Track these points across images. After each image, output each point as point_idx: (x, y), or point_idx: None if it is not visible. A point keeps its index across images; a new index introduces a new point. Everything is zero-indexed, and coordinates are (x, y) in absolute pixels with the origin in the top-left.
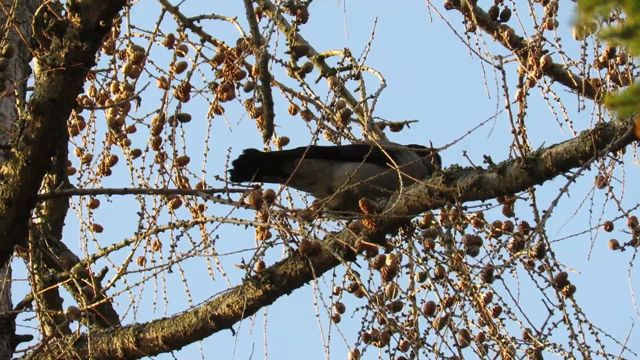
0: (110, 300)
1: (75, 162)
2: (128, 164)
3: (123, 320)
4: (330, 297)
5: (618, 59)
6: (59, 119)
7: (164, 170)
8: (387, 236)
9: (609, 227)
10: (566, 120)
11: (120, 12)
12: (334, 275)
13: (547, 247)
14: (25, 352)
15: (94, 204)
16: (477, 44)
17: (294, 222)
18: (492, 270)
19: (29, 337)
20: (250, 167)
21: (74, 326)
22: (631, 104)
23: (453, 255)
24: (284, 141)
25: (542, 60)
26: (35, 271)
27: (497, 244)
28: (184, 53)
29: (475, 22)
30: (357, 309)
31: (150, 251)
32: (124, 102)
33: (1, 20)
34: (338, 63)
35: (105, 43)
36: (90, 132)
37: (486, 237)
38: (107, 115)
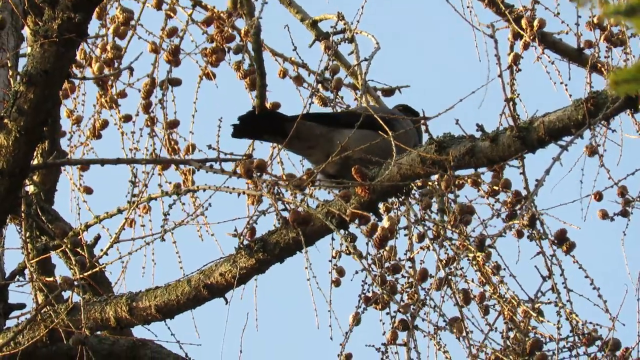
0: (103, 268)
1: (65, 124)
2: (118, 128)
3: (115, 287)
4: (330, 260)
5: (612, 20)
6: (51, 89)
7: (154, 133)
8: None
9: (599, 196)
10: (561, 83)
11: None
12: (332, 239)
13: (537, 217)
14: (18, 319)
15: (85, 167)
16: (468, 6)
17: (286, 191)
18: (485, 240)
19: (22, 306)
20: (254, 123)
21: (66, 294)
22: (636, 81)
23: (449, 218)
24: (275, 106)
25: (535, 22)
26: (28, 240)
27: (495, 202)
28: (172, 15)
29: None
30: (357, 272)
31: (140, 215)
32: (115, 73)
33: None
34: (331, 27)
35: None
36: (80, 94)
37: (483, 196)
38: (94, 71)
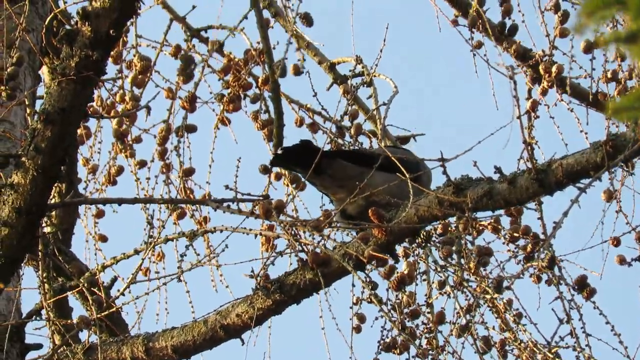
0: (119, 309)
1: (81, 172)
2: (133, 174)
3: (132, 329)
4: (351, 307)
5: (627, 74)
6: (69, 128)
7: (169, 180)
8: (404, 244)
9: (616, 242)
10: (581, 131)
11: (128, 22)
12: (353, 285)
13: (556, 259)
14: None
15: (100, 214)
16: (485, 55)
17: (304, 232)
18: (502, 281)
19: (38, 346)
20: (296, 157)
21: (83, 335)
22: (634, 109)
23: (467, 265)
24: None
25: (554, 69)
26: (45, 280)
27: (515, 249)
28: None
29: (484, 35)
30: (377, 318)
31: (154, 262)
32: (132, 112)
33: (11, 29)
34: (350, 70)
35: (112, 52)
36: (97, 142)
37: (503, 243)
38: (113, 126)
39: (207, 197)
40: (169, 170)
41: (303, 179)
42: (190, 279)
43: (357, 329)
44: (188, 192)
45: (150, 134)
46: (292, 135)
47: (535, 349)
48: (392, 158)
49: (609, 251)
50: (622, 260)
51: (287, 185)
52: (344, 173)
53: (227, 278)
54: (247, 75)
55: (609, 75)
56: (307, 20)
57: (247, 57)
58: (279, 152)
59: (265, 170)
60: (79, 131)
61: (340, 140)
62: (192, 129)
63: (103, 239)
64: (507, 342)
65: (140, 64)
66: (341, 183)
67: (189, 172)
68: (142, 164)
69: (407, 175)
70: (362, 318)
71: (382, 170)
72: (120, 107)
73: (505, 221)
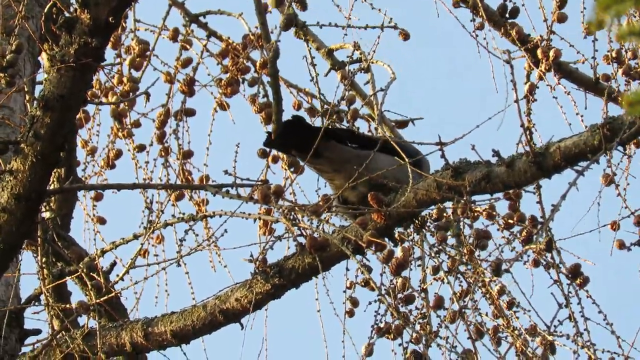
0: (118, 294)
1: (79, 154)
2: (132, 158)
3: (130, 313)
4: (344, 291)
5: (630, 53)
6: (68, 114)
7: (167, 164)
8: (399, 229)
9: (616, 226)
10: (577, 114)
11: (127, 9)
12: (347, 269)
13: (554, 244)
14: (33, 346)
15: (98, 197)
16: (484, 38)
17: (302, 216)
18: (501, 264)
19: (37, 331)
20: (291, 135)
21: (82, 320)
22: None
23: (464, 249)
24: None
25: (551, 53)
26: (44, 265)
27: (510, 235)
28: (188, 47)
29: (483, 20)
30: (370, 303)
31: (153, 245)
32: (132, 98)
33: (10, 16)
34: (347, 56)
35: (111, 37)
36: (95, 125)
37: (498, 229)
38: (111, 107)
39: (205, 180)
40: (167, 154)
41: (301, 162)
42: (190, 262)
43: (350, 313)
44: (187, 174)
45: (149, 118)
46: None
47: (530, 335)
48: (392, 142)
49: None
50: (621, 245)
51: (285, 169)
52: (340, 156)
53: (227, 261)
54: (245, 59)
55: (614, 55)
56: (301, 3)
57: (245, 42)
58: (270, 133)
59: (264, 154)
60: (78, 115)
61: (338, 125)
62: (190, 112)
63: (102, 221)
64: (501, 329)
65: (139, 47)
66: (338, 167)
67: (187, 155)
68: (141, 147)
69: (407, 160)
70: (355, 302)
71: (383, 152)
72: (118, 90)
73: (504, 204)
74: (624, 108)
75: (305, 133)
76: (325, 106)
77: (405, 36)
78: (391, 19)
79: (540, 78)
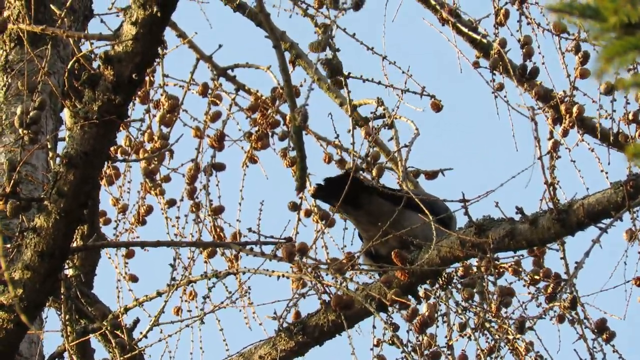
0: (142, 351)
1: (111, 212)
2: (163, 213)
3: None
4: (371, 349)
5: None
6: (91, 171)
7: (199, 219)
8: (424, 286)
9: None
10: (601, 171)
11: (152, 65)
12: (374, 327)
13: (578, 300)
14: None
15: (130, 254)
16: (505, 96)
17: (327, 274)
18: (525, 322)
19: None
20: (336, 189)
21: None
22: None
23: (489, 306)
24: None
25: (575, 109)
26: (67, 322)
27: (535, 291)
28: (218, 102)
29: (503, 82)
30: None
31: (186, 301)
32: (156, 155)
33: (33, 72)
34: (371, 112)
35: (139, 92)
36: (126, 182)
37: (524, 285)
38: (142, 165)
39: (235, 236)
40: (198, 209)
41: (333, 214)
42: (223, 316)
43: None
44: (218, 230)
45: (179, 173)
46: (321, 173)
47: None
48: (421, 198)
49: (631, 291)
50: None
51: (317, 222)
52: (379, 209)
53: (260, 314)
54: (274, 113)
55: (630, 117)
56: (329, 66)
57: (274, 95)
58: (322, 182)
59: (294, 207)
60: (108, 171)
61: (367, 175)
62: (220, 167)
63: (134, 279)
64: None
65: (168, 102)
66: (375, 220)
67: (218, 211)
68: (171, 202)
69: (432, 218)
70: None
71: (413, 211)
72: (148, 146)
73: (528, 261)
74: (628, 158)
75: (353, 187)
76: (357, 159)
77: (438, 107)
78: (424, 87)
79: (564, 134)
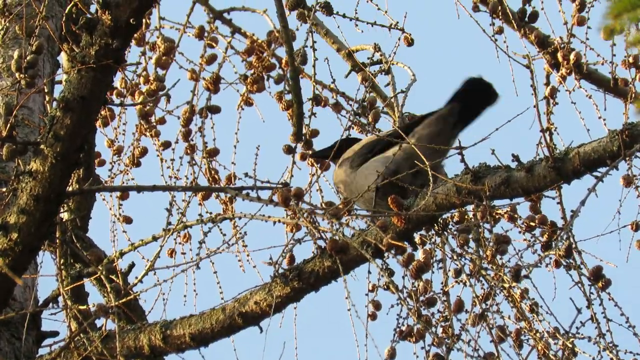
0: (137, 296)
1: (105, 154)
2: (158, 155)
3: (149, 315)
4: (366, 294)
5: None
6: (88, 115)
7: (194, 162)
8: (419, 232)
9: (636, 227)
10: (599, 117)
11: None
12: (369, 272)
13: (574, 247)
14: (51, 348)
15: (124, 196)
16: (505, 42)
17: (323, 219)
18: (520, 270)
19: (55, 333)
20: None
21: (99, 322)
22: None
23: (484, 253)
24: (314, 133)
25: (572, 56)
26: (62, 267)
27: (531, 238)
28: (214, 45)
29: (502, 26)
30: (392, 306)
31: (180, 243)
32: (153, 98)
33: (31, 16)
34: (368, 58)
35: (135, 35)
36: (121, 124)
37: (519, 232)
38: (137, 107)
39: (232, 178)
40: (193, 152)
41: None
42: (220, 262)
43: (373, 316)
44: (213, 172)
45: (174, 115)
46: (316, 114)
47: (551, 338)
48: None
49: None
50: None
51: (312, 165)
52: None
53: (255, 262)
54: (270, 57)
55: (630, 60)
56: (327, 9)
57: (270, 39)
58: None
59: (289, 150)
60: (103, 113)
61: (363, 120)
62: (215, 109)
63: (128, 220)
64: (523, 331)
65: (164, 45)
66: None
67: (213, 153)
68: (166, 144)
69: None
70: (377, 305)
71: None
72: (144, 88)
73: (525, 206)
74: (636, 112)
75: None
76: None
77: (409, 42)
78: (397, 22)
79: (562, 80)
